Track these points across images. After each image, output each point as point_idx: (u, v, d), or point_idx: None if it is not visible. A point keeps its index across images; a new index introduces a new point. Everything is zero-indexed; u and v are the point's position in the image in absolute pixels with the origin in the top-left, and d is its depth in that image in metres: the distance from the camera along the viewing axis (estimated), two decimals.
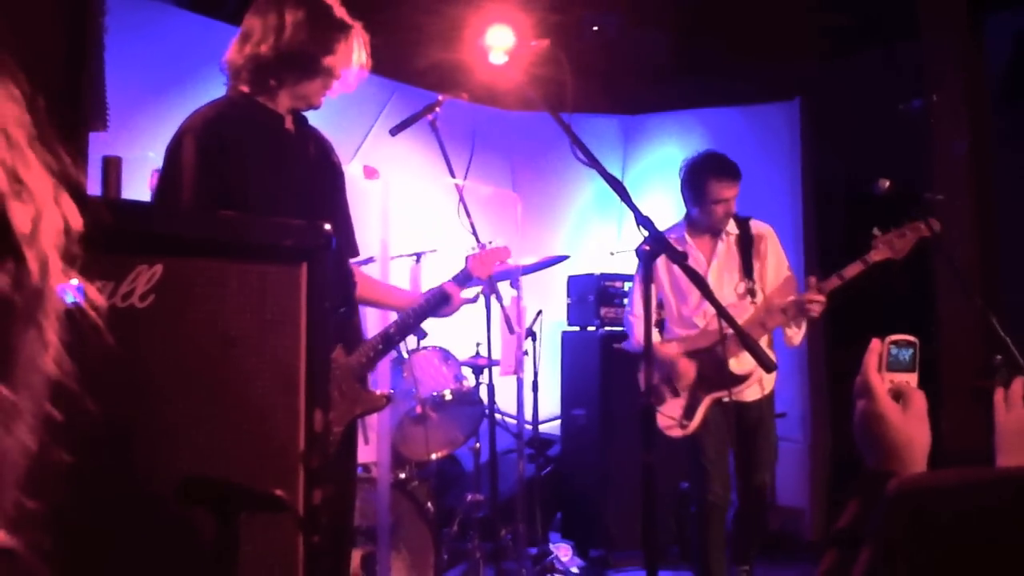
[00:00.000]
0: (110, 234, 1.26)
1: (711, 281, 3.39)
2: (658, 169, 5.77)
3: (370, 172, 3.27)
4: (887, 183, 3.10)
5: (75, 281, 0.54)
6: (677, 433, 3.41)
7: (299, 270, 1.43)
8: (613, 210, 5.87)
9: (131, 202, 1.82)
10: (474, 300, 2.94)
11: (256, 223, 1.50)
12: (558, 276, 5.15)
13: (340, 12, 2.31)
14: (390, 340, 2.51)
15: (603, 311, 4.75)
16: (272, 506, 1.15)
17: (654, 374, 3.49)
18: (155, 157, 3.11)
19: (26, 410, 0.50)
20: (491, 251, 2.85)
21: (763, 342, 3.34)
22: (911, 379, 1.05)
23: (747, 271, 3.45)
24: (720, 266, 3.51)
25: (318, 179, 2.37)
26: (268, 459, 1.40)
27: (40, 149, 0.50)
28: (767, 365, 2.02)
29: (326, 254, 1.44)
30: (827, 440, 5.04)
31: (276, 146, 2.27)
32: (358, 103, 5.02)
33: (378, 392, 2.41)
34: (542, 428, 4.83)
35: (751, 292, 3.42)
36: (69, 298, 0.54)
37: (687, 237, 3.54)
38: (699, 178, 3.45)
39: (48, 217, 0.49)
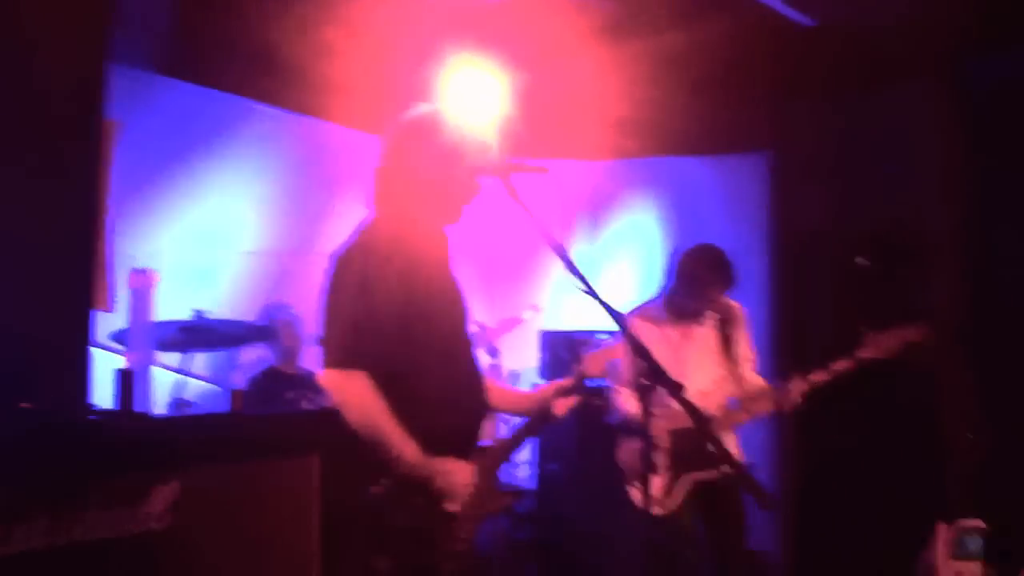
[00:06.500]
0: (125, 453, 1.23)
1: (689, 364, 3.33)
2: (624, 216, 5.79)
3: None
4: (866, 262, 3.16)
5: None
6: (655, 511, 3.22)
7: (312, 461, 1.40)
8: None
9: (142, 416, 1.76)
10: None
11: (268, 420, 1.47)
12: (531, 332, 5.13)
13: None
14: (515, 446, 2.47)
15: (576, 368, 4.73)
16: None
17: (633, 449, 3.29)
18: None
19: None
20: (606, 349, 2.62)
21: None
22: (976, 569, 0.97)
23: (728, 355, 3.38)
24: (698, 349, 3.40)
25: None
26: None
27: None
28: (763, 499, 2.01)
29: (340, 440, 1.41)
30: (795, 486, 5.06)
31: None
32: None
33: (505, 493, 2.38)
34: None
35: (734, 376, 3.36)
36: None
37: (665, 314, 3.41)
38: (697, 277, 3.32)
39: None
